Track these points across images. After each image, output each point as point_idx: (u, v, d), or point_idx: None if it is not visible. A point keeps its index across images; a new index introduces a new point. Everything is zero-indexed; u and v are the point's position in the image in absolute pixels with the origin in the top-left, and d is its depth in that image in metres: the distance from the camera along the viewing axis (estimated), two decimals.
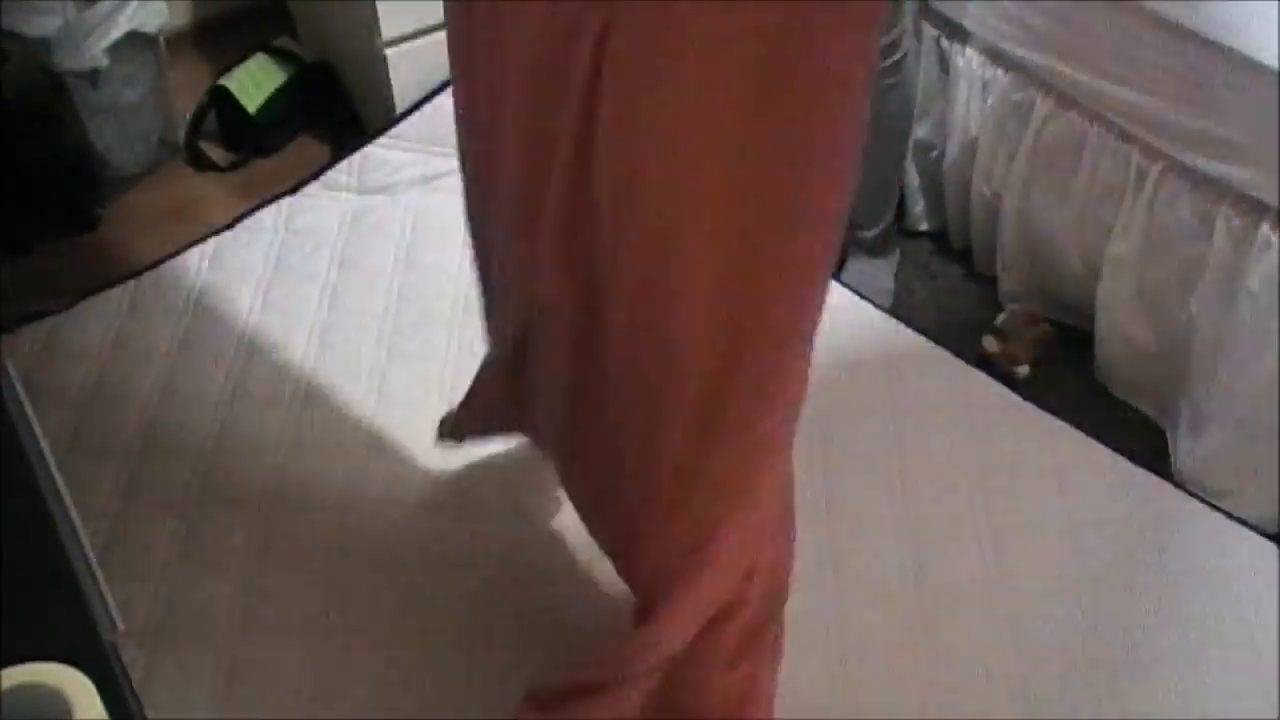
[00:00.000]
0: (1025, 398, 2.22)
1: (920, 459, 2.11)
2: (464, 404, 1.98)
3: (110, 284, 2.43)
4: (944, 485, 2.08)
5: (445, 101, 2.68)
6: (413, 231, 2.52)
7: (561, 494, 1.90)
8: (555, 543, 2.01)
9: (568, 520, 2.04)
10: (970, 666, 1.85)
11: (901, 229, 2.62)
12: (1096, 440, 2.13)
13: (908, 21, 2.31)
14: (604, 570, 1.78)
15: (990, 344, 2.37)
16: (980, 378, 2.25)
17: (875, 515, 2.04)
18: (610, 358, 1.43)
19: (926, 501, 2.05)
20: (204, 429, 2.16)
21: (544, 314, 1.52)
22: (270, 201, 2.59)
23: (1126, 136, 2.14)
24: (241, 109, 2.81)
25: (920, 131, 2.53)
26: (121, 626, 1.59)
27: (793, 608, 1.91)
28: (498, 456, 2.11)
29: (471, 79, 1.50)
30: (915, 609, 1.91)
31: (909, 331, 2.33)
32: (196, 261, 2.48)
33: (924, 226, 2.63)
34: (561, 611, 1.93)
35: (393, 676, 1.85)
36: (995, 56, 2.32)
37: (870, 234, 2.48)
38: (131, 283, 2.43)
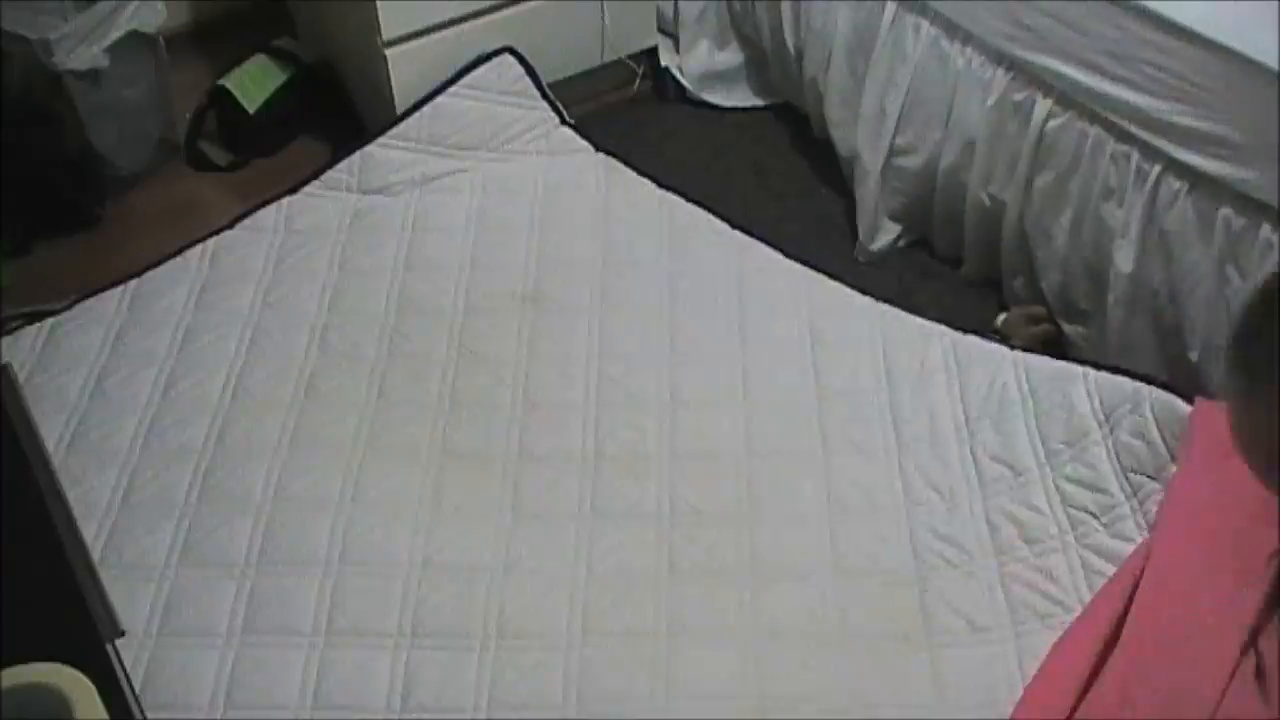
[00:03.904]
0: None
1: (921, 454, 2.11)
2: None
3: (110, 284, 2.43)
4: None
5: (445, 101, 2.69)
6: (413, 231, 2.52)
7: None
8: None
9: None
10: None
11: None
12: None
13: None
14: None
15: None
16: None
17: (876, 506, 2.04)
18: None
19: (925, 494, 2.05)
20: (204, 429, 2.16)
21: None
22: (270, 201, 2.59)
23: (1126, 137, 2.14)
24: (241, 109, 2.81)
25: (903, 138, 2.53)
26: (122, 627, 1.59)
27: (790, 601, 1.92)
28: (495, 454, 2.11)
29: None
30: (917, 607, 1.91)
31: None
32: (196, 261, 2.47)
33: (902, 243, 2.63)
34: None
35: (394, 677, 1.85)
36: (995, 56, 2.32)
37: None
38: (132, 283, 2.43)
